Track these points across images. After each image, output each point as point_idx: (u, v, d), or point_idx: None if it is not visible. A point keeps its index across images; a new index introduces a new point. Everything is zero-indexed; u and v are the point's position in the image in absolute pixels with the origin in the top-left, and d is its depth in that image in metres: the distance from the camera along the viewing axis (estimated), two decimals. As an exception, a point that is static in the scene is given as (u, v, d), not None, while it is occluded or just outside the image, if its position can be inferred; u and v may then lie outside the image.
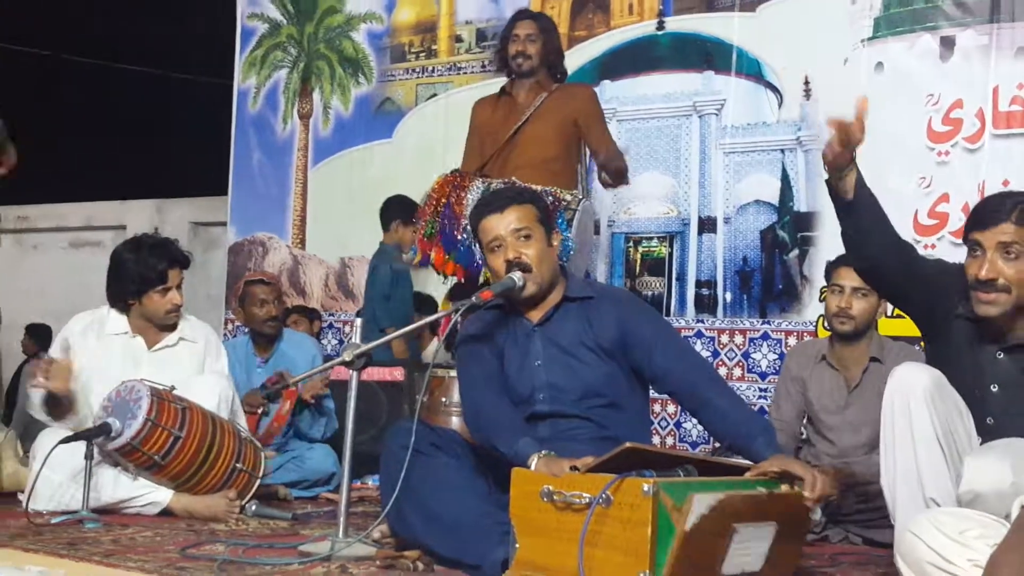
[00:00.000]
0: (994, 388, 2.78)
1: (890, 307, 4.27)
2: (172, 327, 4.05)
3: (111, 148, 10.10)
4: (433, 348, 5.66)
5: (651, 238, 5.92)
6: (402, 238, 5.65)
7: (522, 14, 4.76)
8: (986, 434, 2.73)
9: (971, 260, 2.72)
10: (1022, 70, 5.02)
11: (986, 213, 2.74)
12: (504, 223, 3.02)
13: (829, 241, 5.19)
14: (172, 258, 3.99)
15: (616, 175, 4.45)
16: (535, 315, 3.07)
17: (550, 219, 3.16)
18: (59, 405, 3.79)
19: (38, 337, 7.82)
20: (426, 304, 5.87)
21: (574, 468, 2.57)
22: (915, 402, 2.64)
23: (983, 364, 2.80)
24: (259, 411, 4.60)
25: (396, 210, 5.70)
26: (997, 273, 2.65)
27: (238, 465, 3.78)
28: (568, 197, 4.06)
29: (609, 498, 2.41)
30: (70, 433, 3.59)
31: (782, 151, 5.56)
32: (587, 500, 2.44)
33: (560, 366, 3.01)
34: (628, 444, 2.55)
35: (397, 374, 5.04)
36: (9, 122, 4.27)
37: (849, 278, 3.86)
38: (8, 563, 2.88)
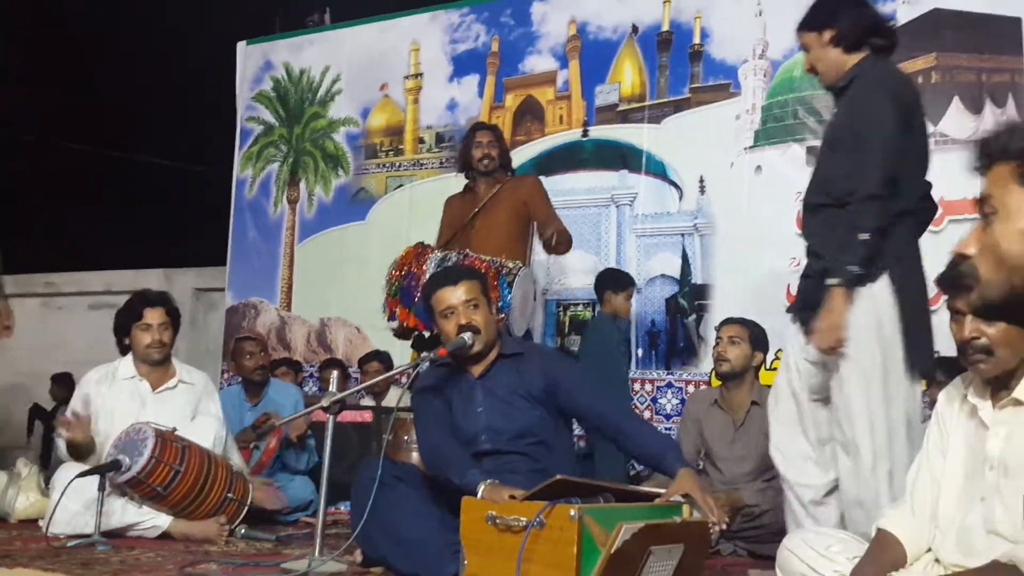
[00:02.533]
0: None
1: (768, 359, 4.32)
2: (159, 365, 3.95)
3: (128, 225, 9.99)
4: (396, 395, 5.59)
5: (577, 304, 5.95)
6: (616, 307, 5.14)
7: (480, 125, 4.80)
8: None
9: None
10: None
11: None
12: (456, 295, 3.01)
13: (719, 308, 5.26)
14: (147, 299, 3.97)
15: (565, 246, 4.48)
16: (477, 370, 3.06)
17: (490, 292, 3.18)
18: (80, 450, 3.70)
19: (62, 384, 7.64)
20: (382, 357, 5.81)
21: (512, 496, 2.56)
22: None
23: None
24: (251, 447, 4.53)
25: (607, 282, 5.21)
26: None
27: (229, 495, 3.69)
28: (510, 264, 4.08)
29: (542, 522, 2.39)
30: (86, 468, 3.50)
31: (682, 235, 5.63)
32: (524, 523, 2.42)
33: (498, 412, 3.00)
34: (558, 476, 2.54)
35: (367, 416, 4.99)
36: None
37: (726, 331, 4.01)
38: (27, 581, 2.79)
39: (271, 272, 7.16)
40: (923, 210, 2.83)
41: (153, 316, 3.92)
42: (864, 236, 2.60)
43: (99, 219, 10.07)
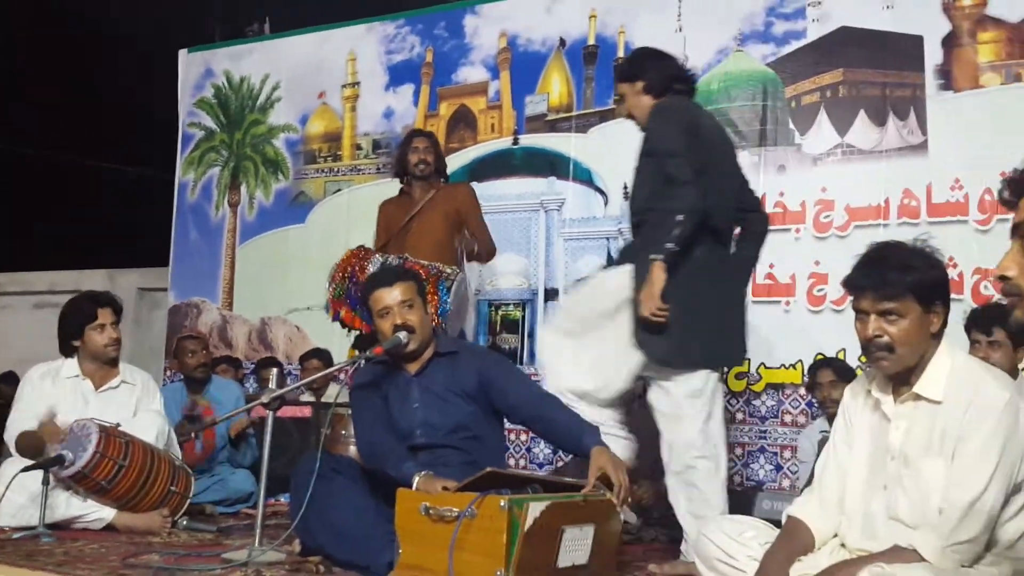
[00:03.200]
0: None
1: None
2: (114, 363, 3.85)
3: (71, 226, 9.74)
4: (335, 391, 5.51)
5: (508, 304, 5.94)
6: None
7: (417, 132, 4.74)
8: None
9: None
10: (782, 181, 5.13)
11: None
12: (392, 295, 2.99)
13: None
14: (98, 300, 3.84)
15: (486, 256, 4.48)
16: (413, 367, 3.04)
17: (425, 292, 3.14)
18: (30, 449, 3.56)
19: (7, 382, 7.37)
20: (322, 355, 5.73)
21: (445, 488, 2.55)
22: None
23: None
24: (192, 437, 4.41)
25: None
26: None
27: (172, 488, 3.61)
28: (448, 270, 4.06)
29: (474, 512, 2.39)
30: (31, 463, 3.37)
31: (607, 239, 5.64)
32: (456, 513, 2.41)
33: (433, 408, 2.98)
34: (489, 468, 2.54)
35: (306, 412, 4.91)
36: None
37: None
38: (-29, 574, 2.69)
39: (213, 273, 7.01)
40: (737, 220, 3.17)
41: (105, 316, 3.80)
42: (680, 217, 2.87)
43: (43, 219, 9.80)
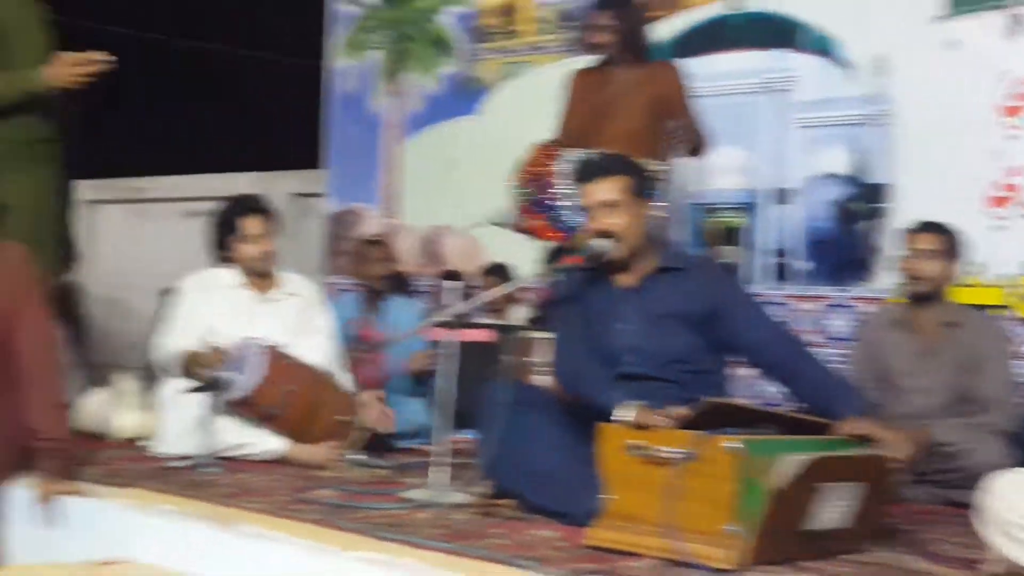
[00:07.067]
0: None
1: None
2: (270, 276, 4.07)
3: (219, 125, 10.21)
4: (520, 312, 5.64)
5: (725, 209, 5.85)
6: None
7: (599, 3, 4.60)
8: None
9: None
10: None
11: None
12: (593, 194, 2.99)
13: (900, 213, 5.09)
14: (243, 207, 4.03)
15: (700, 148, 4.37)
16: (626, 280, 3.03)
17: (642, 189, 3.08)
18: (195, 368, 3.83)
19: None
20: (504, 271, 5.82)
21: (667, 417, 2.55)
22: None
23: None
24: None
25: None
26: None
27: (343, 418, 3.82)
28: (654, 167, 4.02)
29: (694, 454, 2.38)
30: (193, 386, 3.65)
31: (855, 126, 5.43)
32: (673, 455, 2.40)
33: (646, 332, 2.96)
34: (713, 400, 2.53)
35: (487, 336, 5.03)
36: None
37: (922, 241, 3.84)
38: (136, 501, 2.97)
39: (371, 175, 7.24)
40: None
41: (253, 226, 4.00)
42: None
43: (188, 117, 10.33)
